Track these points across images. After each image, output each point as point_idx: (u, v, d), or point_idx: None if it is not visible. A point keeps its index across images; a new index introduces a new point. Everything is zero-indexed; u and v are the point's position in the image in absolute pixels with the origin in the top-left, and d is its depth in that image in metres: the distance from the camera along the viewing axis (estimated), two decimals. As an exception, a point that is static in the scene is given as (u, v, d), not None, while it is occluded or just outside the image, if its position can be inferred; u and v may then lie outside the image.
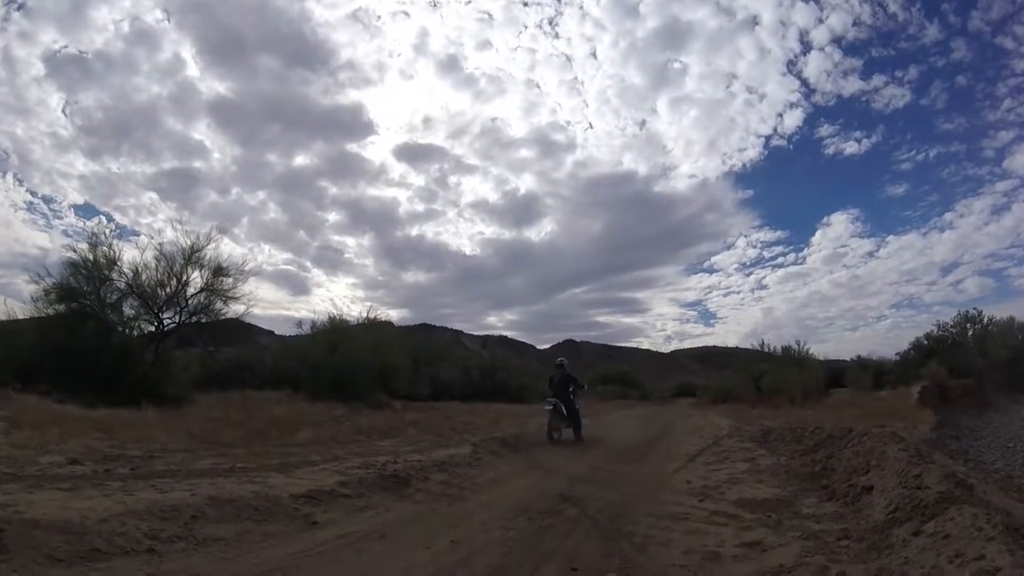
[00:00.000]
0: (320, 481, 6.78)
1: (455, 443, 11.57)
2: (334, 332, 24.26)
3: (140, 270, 18.78)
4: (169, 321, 19.55)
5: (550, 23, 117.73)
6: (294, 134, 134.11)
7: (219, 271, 19.89)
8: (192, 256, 19.44)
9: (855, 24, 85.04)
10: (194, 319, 19.92)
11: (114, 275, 18.37)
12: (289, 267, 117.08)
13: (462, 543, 4.98)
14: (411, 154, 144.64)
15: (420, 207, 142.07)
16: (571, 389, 13.98)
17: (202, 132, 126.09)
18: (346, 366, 21.50)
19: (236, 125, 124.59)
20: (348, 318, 26.21)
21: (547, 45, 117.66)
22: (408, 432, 14.16)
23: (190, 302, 19.60)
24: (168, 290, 19.24)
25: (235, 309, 20.41)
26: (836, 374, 32.98)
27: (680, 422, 21.46)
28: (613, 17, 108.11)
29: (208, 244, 19.73)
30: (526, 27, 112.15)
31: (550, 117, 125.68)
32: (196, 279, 19.62)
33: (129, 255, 19.07)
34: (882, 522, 5.01)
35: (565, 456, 11.08)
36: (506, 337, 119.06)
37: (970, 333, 32.85)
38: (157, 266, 19.06)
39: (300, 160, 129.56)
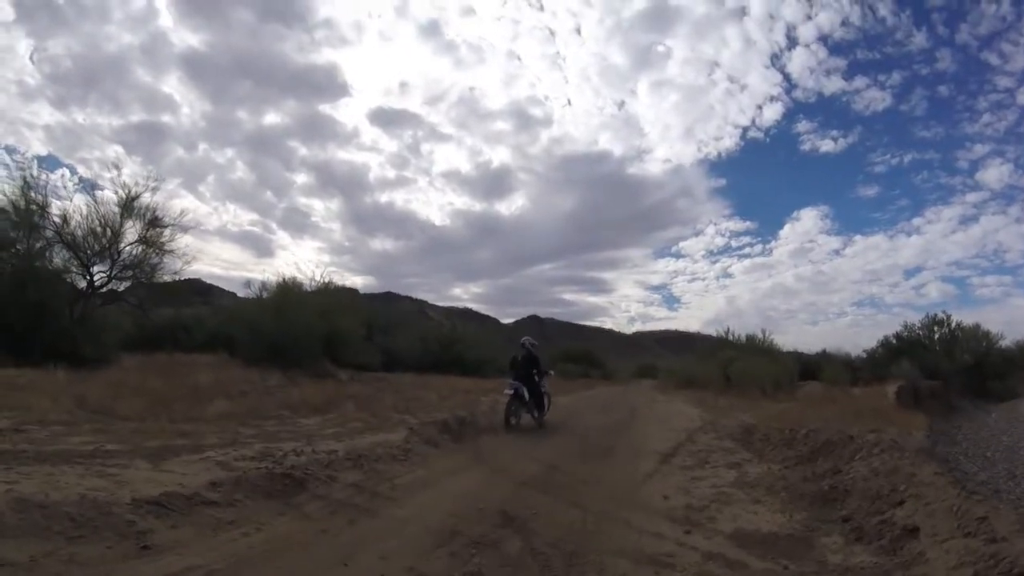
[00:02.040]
0: (189, 478, 5.12)
1: (390, 425, 9.95)
2: (282, 294, 22.19)
3: (69, 216, 16.96)
4: (101, 274, 17.84)
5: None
6: (265, 92, 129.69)
7: (155, 222, 18.00)
8: (129, 204, 17.51)
9: (843, 24, 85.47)
10: (129, 274, 18.13)
11: (42, 221, 16.63)
12: (254, 228, 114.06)
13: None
14: (385, 119, 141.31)
15: (391, 173, 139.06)
16: (534, 371, 12.28)
17: (172, 85, 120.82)
18: (289, 330, 19.54)
19: (207, 79, 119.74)
20: (303, 281, 24.14)
21: (531, 17, 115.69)
22: (344, 408, 12.50)
23: (122, 254, 17.81)
24: (104, 240, 17.48)
25: (172, 265, 18.77)
26: (803, 367, 32.15)
27: (646, 408, 19.94)
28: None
29: (146, 191, 17.95)
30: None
31: (529, 91, 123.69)
32: (131, 230, 17.95)
33: (62, 204, 17.37)
34: (962, 598, 3.44)
35: (517, 448, 9.38)
36: (471, 310, 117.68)
37: (936, 336, 32.72)
38: (90, 213, 17.24)
39: (270, 119, 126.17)
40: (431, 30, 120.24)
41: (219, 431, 8.19)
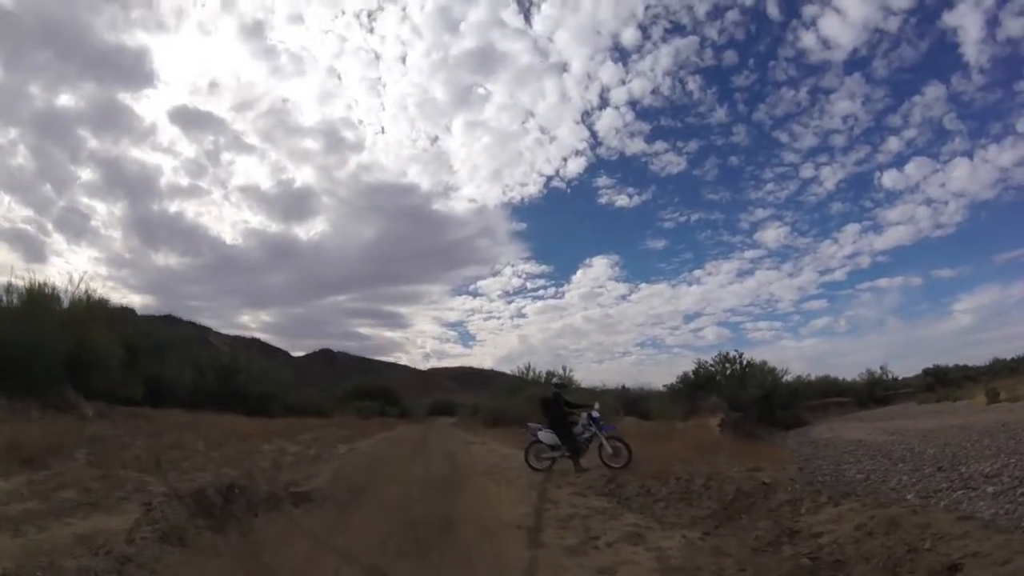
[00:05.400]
0: None
1: (121, 496, 6.49)
2: (28, 301, 16.85)
3: None
4: None
5: (369, 16, 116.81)
6: (65, 67, 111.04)
7: None
8: None
9: (653, 92, 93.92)
10: None
11: None
12: (27, 227, 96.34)
13: None
14: (187, 118, 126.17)
15: (184, 181, 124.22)
16: (562, 413, 11.81)
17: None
18: (21, 346, 14.62)
19: (4, 41, 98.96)
20: (61, 290, 18.73)
21: (360, 37, 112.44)
22: (70, 460, 8.63)
23: None
24: None
25: None
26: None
27: (463, 453, 17.22)
28: (433, 27, 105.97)
29: None
30: (344, 12, 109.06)
31: (344, 112, 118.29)
32: None
33: None
34: None
35: (313, 534, 6.23)
36: (259, 340, 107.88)
37: (728, 372, 34.90)
38: None
39: (64, 100, 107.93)
40: (254, 31, 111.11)
41: None
